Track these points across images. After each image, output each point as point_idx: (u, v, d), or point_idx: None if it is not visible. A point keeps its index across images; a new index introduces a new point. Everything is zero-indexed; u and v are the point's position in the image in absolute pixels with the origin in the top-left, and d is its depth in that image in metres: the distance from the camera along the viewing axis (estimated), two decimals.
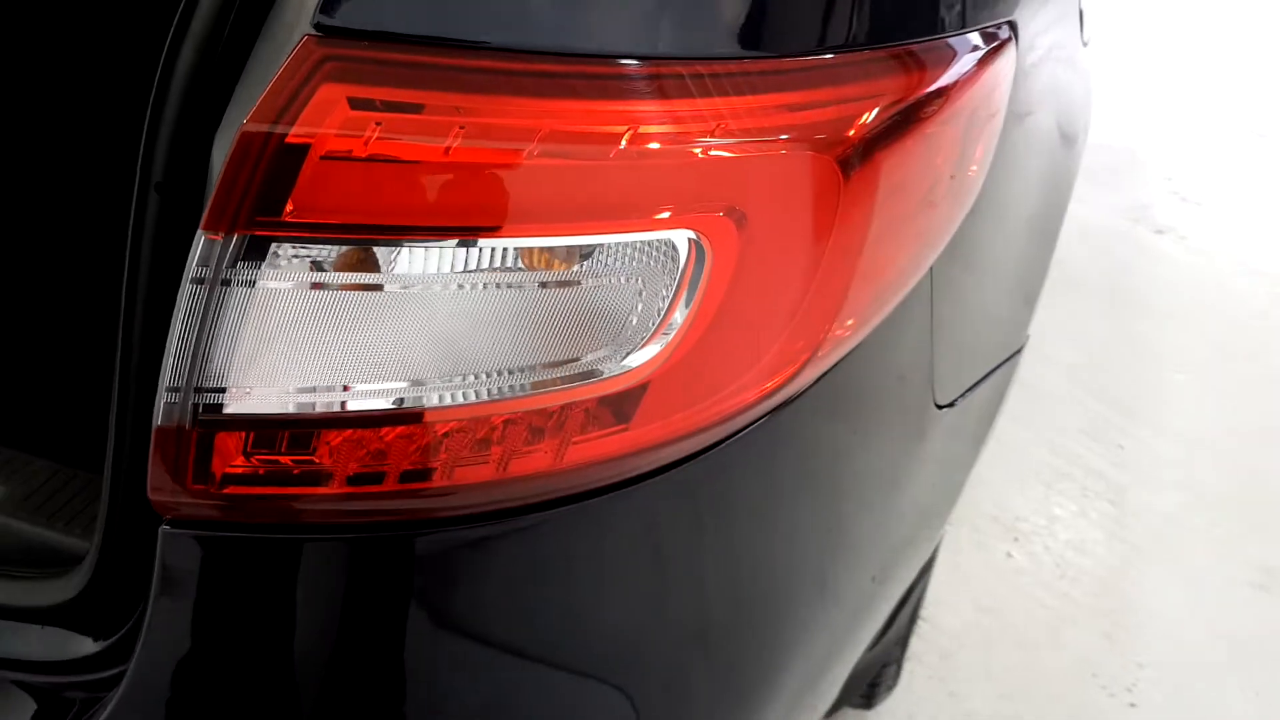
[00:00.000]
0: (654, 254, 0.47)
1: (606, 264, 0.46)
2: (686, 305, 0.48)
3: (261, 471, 0.47)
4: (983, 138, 0.68)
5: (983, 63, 0.66)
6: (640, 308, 0.48)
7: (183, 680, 0.54)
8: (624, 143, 0.45)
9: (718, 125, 0.48)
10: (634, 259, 0.47)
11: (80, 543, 0.68)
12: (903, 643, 1.29)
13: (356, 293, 0.44)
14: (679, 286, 0.48)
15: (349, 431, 0.46)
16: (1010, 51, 0.71)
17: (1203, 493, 2.02)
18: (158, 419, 0.46)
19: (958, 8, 0.66)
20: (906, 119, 0.58)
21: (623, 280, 0.47)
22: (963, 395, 0.88)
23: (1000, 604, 1.77)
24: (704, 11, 0.49)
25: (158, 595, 0.51)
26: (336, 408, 0.46)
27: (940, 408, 0.82)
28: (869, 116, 0.56)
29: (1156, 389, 2.28)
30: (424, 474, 0.48)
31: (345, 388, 0.45)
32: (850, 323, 0.57)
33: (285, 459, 0.46)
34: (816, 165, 0.52)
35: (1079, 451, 2.09)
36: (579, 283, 0.46)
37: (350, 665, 0.52)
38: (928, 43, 0.61)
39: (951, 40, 0.64)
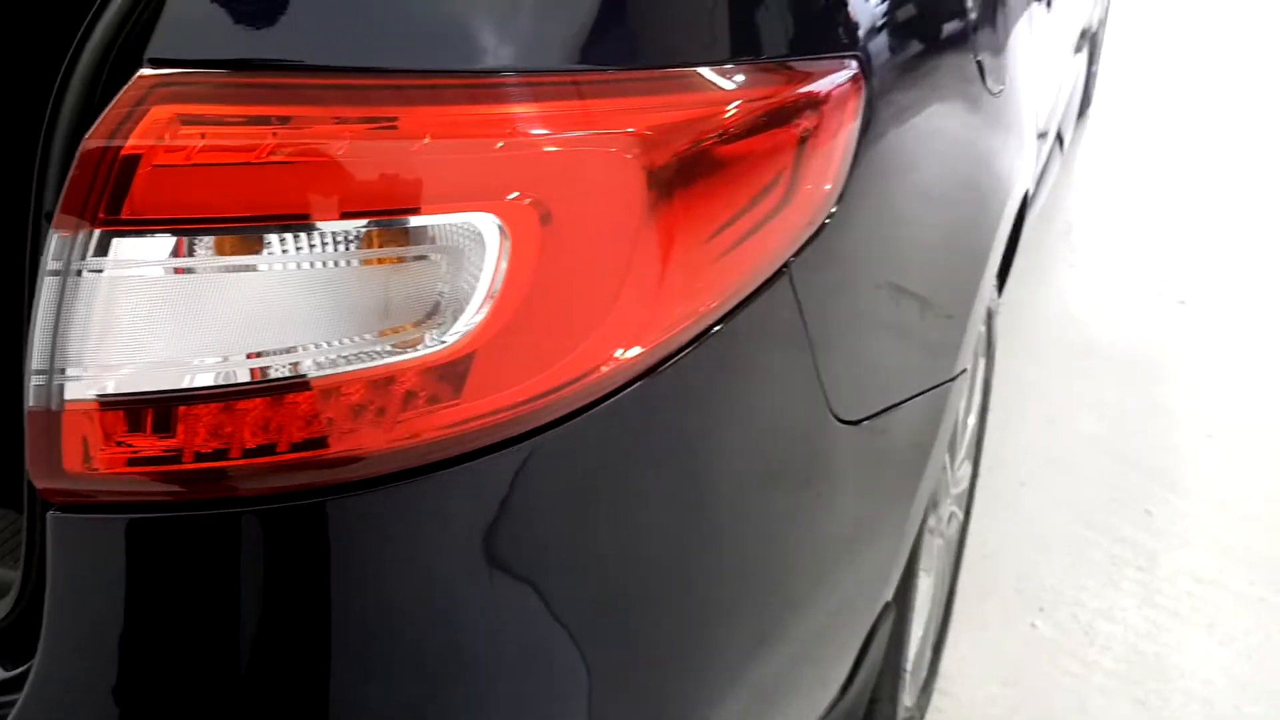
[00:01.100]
0: (458, 236, 0.53)
1: (417, 244, 0.53)
2: (496, 284, 0.54)
3: (126, 451, 0.53)
4: (828, 160, 0.74)
5: (814, 89, 0.72)
6: (453, 285, 0.54)
7: (84, 679, 0.58)
8: (426, 140, 0.52)
9: (516, 128, 0.55)
10: (440, 240, 0.53)
11: None
12: (892, 699, 1.27)
13: (188, 278, 0.51)
14: (490, 267, 0.54)
15: (193, 408, 0.52)
16: (854, 82, 0.77)
17: (1237, 554, 1.97)
18: (28, 401, 0.52)
19: (788, 35, 0.74)
20: (721, 134, 0.64)
21: (433, 259, 0.53)
22: (875, 416, 0.91)
23: (1026, 676, 1.73)
24: (500, 27, 0.56)
25: (53, 591, 0.57)
26: (182, 385, 0.52)
27: (844, 422, 0.85)
28: (680, 129, 0.62)
29: (1185, 453, 2.23)
30: (264, 449, 0.53)
31: (186, 366, 0.52)
32: (680, 316, 0.63)
33: (145, 436, 0.53)
34: (619, 168, 0.59)
35: (1106, 520, 2.06)
36: (392, 261, 0.53)
37: (218, 642, 0.57)
38: (746, 64, 0.68)
39: (774, 64, 0.71)
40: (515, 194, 0.54)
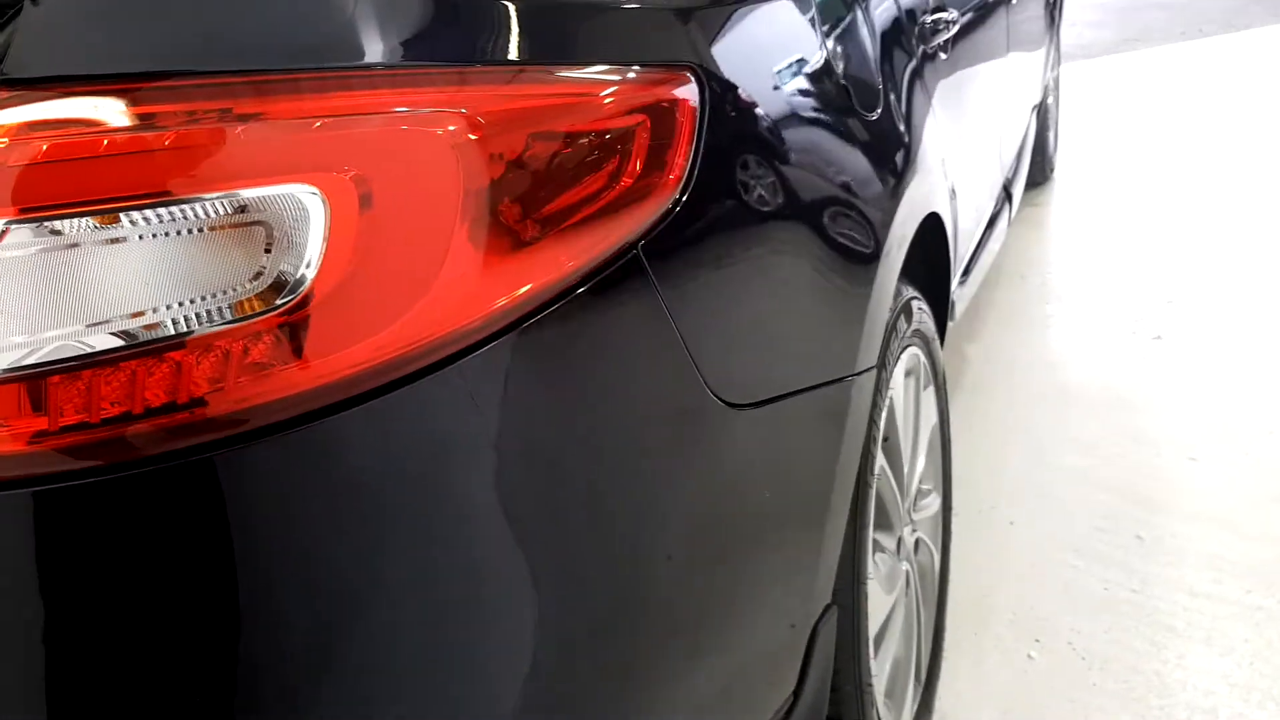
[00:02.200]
0: (282, 205, 0.61)
1: (248, 213, 0.60)
2: (322, 249, 0.62)
3: (9, 426, 0.59)
4: (664, 156, 0.81)
5: (643, 92, 0.81)
6: (282, 251, 0.61)
7: None
8: (251, 124, 0.61)
9: (338, 112, 0.63)
10: (268, 210, 0.60)
11: None
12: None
13: (46, 256, 0.58)
14: (318, 234, 0.61)
15: (53, 381, 0.58)
16: (689, 89, 0.85)
17: (1230, 566, 1.95)
18: None
19: (623, 42, 0.83)
20: (550, 126, 0.73)
21: (264, 226, 0.61)
22: (767, 402, 0.96)
23: (1025, 706, 1.71)
24: (323, 32, 0.65)
25: None
26: (38, 360, 0.58)
27: (732, 405, 0.90)
28: (509, 118, 0.71)
29: (1170, 478, 2.24)
30: (121, 419, 0.59)
31: (41, 339, 0.58)
32: (511, 285, 0.69)
33: (17, 414, 0.59)
34: (445, 148, 0.66)
35: (1096, 548, 2.05)
36: (229, 229, 0.60)
37: (116, 607, 0.62)
38: (579, 65, 0.77)
39: (607, 67, 0.79)
40: (335, 168, 0.62)
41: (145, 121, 0.59)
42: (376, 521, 0.66)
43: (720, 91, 0.91)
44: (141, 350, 0.59)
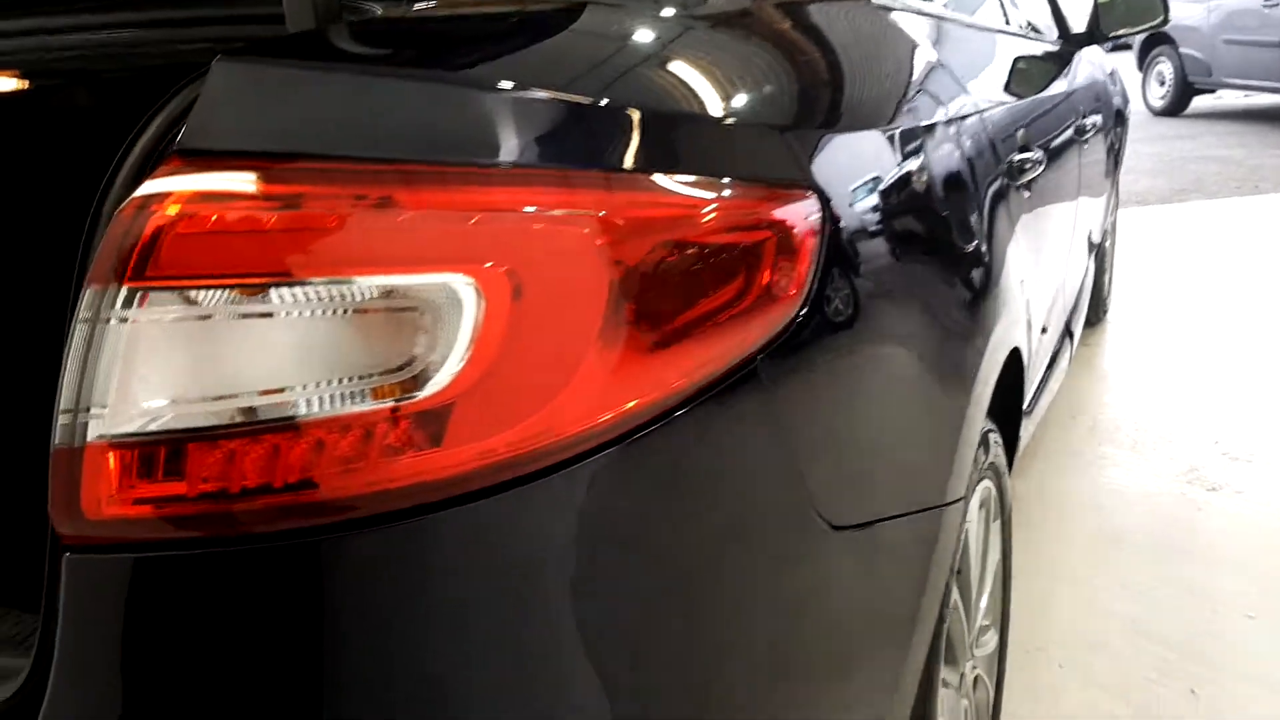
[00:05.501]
0: (436, 295, 0.62)
1: (403, 298, 0.61)
2: (473, 339, 0.62)
3: (142, 484, 0.59)
4: (787, 270, 0.82)
5: (772, 210, 0.82)
6: (433, 338, 0.61)
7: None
8: (411, 213, 0.62)
9: (495, 207, 0.64)
10: (421, 297, 0.61)
11: None
12: None
13: (197, 327, 0.58)
14: (469, 324, 0.62)
15: (200, 446, 0.59)
16: (811, 208, 0.86)
17: None
18: (55, 440, 0.59)
19: (755, 163, 0.84)
20: (686, 233, 0.74)
21: (415, 314, 0.61)
22: (867, 525, 0.95)
23: None
24: (480, 129, 0.67)
25: (64, 632, 0.61)
26: (188, 425, 0.59)
27: (833, 527, 0.89)
28: (649, 223, 0.72)
29: (1226, 634, 2.17)
30: (264, 489, 0.59)
31: (192, 407, 0.58)
32: (639, 391, 0.69)
33: (158, 472, 0.59)
34: (590, 249, 0.67)
35: (1148, 700, 1.99)
36: (380, 313, 0.60)
37: (218, 679, 0.61)
38: (716, 179, 0.78)
39: (741, 184, 0.80)
40: (491, 261, 0.63)
41: (309, 201, 0.60)
42: (479, 617, 0.65)
43: (837, 212, 0.92)
44: (276, 426, 0.60)
